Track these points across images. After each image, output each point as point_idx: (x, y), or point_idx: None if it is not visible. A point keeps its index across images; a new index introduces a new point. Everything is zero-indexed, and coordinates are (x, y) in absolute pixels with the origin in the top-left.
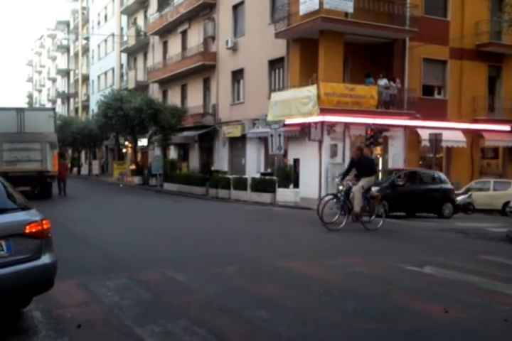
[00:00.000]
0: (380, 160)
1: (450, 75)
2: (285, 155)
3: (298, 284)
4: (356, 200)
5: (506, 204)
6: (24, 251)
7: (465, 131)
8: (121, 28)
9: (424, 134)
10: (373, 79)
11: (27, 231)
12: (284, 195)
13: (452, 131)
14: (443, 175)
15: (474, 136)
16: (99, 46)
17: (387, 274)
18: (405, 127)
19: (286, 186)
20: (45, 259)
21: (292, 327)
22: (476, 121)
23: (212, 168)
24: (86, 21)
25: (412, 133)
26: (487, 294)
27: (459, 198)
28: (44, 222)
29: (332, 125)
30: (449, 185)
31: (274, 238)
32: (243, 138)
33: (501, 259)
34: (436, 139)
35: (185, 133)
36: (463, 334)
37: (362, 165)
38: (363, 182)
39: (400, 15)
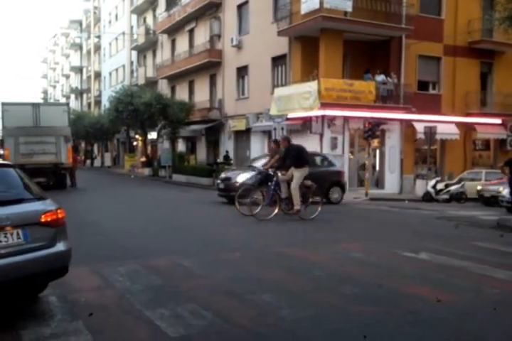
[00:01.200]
0: (377, 151)
1: (444, 71)
2: None
3: (300, 269)
4: (295, 198)
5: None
6: (40, 239)
7: (458, 124)
8: (132, 27)
9: (420, 127)
10: (371, 75)
11: (42, 220)
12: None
13: (446, 124)
14: (331, 157)
15: (467, 128)
16: (110, 44)
17: (384, 260)
18: (401, 120)
19: None
20: (60, 247)
21: (295, 310)
22: (468, 115)
23: (218, 160)
24: (98, 20)
25: (408, 126)
26: (479, 278)
27: (453, 188)
28: (59, 211)
29: (332, 119)
30: (336, 168)
31: (278, 226)
32: (248, 132)
33: (492, 245)
34: (430, 132)
35: (193, 127)
36: (456, 316)
37: (291, 156)
38: (297, 175)
39: (396, 13)
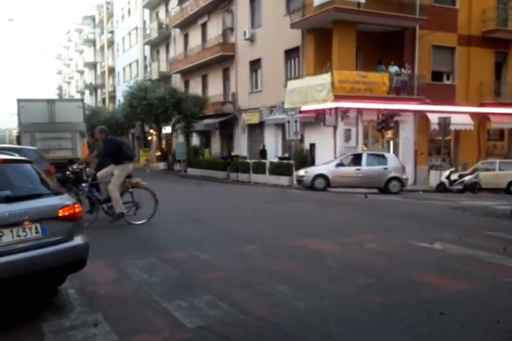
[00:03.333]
0: (391, 143)
1: (458, 61)
2: (301, 140)
3: (314, 260)
4: (115, 201)
5: (511, 183)
6: (58, 233)
7: (472, 115)
8: (144, 22)
9: (434, 118)
10: (385, 66)
11: (60, 214)
12: None
13: (460, 115)
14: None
15: (481, 119)
16: (123, 39)
17: (398, 250)
18: (415, 112)
19: None
20: (78, 240)
21: (309, 300)
22: (483, 105)
23: (233, 154)
24: (111, 15)
25: (421, 117)
26: (493, 267)
27: (467, 178)
28: (76, 205)
29: (345, 111)
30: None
31: (292, 217)
32: (261, 125)
33: (506, 235)
34: (445, 123)
35: (207, 121)
36: (470, 304)
37: (109, 151)
38: (116, 173)
39: (410, 4)
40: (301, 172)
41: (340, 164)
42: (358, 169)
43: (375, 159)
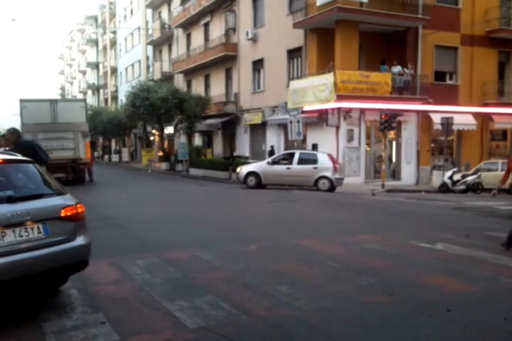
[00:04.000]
0: (394, 143)
1: (461, 61)
2: (304, 140)
3: (315, 261)
4: None
5: None
6: (60, 233)
7: (475, 115)
8: (147, 22)
9: (436, 118)
10: (387, 66)
11: (62, 214)
12: None
13: (463, 115)
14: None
15: (484, 119)
16: (126, 39)
17: (400, 251)
18: (418, 112)
19: None
20: (80, 241)
21: (311, 301)
22: (486, 105)
23: (235, 154)
24: (113, 16)
25: (424, 117)
26: (495, 268)
27: (469, 178)
28: (78, 205)
29: (348, 111)
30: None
31: (293, 218)
32: (263, 125)
33: None
34: (447, 123)
35: (209, 121)
36: (472, 305)
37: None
38: None
39: (412, 3)
40: (238, 168)
41: (273, 162)
42: (289, 168)
43: (306, 158)
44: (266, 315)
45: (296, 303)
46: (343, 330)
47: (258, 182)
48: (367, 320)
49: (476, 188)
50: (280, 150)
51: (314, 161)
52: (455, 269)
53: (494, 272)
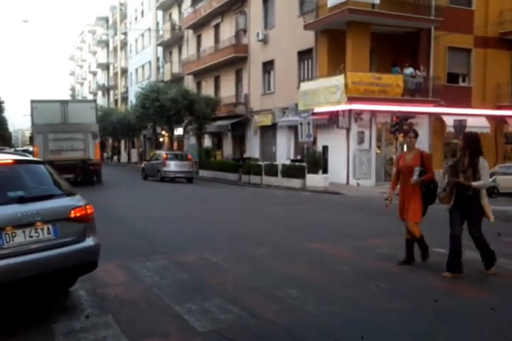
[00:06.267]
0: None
1: (474, 63)
2: (314, 142)
3: (325, 264)
4: None
5: None
6: (69, 234)
7: (489, 117)
8: (157, 23)
9: (449, 121)
10: (399, 68)
11: (72, 215)
12: (314, 180)
13: (476, 117)
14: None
15: (498, 121)
16: (136, 40)
17: None
18: (430, 114)
19: (316, 172)
20: (89, 242)
21: (321, 305)
22: (499, 108)
23: (245, 156)
24: (124, 17)
25: (436, 119)
26: (509, 274)
27: None
28: (88, 206)
29: (359, 113)
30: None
31: (304, 220)
32: (274, 127)
33: None
34: (460, 125)
35: (219, 123)
36: (485, 311)
37: None
38: None
39: (425, 5)
40: None
41: None
42: None
43: None
44: (275, 319)
45: (306, 307)
46: (354, 336)
47: None
48: (378, 325)
49: (491, 192)
50: (290, 153)
51: None
52: (468, 275)
53: (509, 278)
